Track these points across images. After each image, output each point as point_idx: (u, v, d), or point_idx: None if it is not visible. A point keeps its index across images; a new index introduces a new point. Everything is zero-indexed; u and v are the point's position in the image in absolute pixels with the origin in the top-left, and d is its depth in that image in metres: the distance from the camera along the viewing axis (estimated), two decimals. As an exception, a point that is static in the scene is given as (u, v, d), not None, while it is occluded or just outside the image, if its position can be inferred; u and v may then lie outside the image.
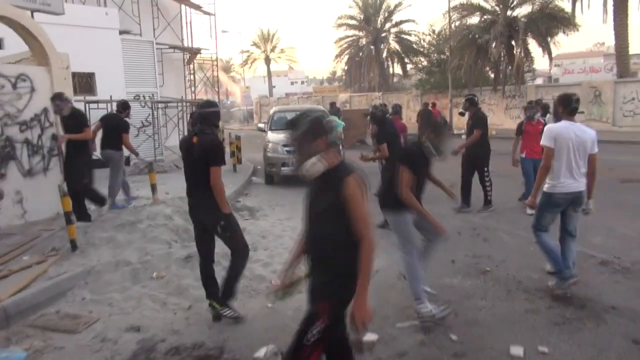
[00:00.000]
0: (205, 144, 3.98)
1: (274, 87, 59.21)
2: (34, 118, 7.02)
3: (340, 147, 5.16)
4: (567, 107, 4.50)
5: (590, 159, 4.48)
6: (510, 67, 24.05)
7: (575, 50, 56.28)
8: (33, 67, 7.19)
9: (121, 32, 14.07)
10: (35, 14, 7.82)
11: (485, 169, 7.87)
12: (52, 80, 7.21)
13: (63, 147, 6.93)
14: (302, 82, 77.22)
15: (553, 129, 4.51)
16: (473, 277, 5.11)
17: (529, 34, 23.25)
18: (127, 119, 8.06)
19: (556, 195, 4.52)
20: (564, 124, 4.49)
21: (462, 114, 8.35)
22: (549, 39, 23.43)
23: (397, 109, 9.36)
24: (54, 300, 4.56)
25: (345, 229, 2.50)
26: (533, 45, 23.93)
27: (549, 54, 23.67)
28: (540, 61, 26.31)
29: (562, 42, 23.27)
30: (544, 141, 4.53)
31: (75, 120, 6.71)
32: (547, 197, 4.58)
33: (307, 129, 2.56)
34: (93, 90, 12.82)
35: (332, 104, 14.46)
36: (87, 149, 6.89)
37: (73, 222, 5.56)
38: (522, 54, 23.14)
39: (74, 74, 8.69)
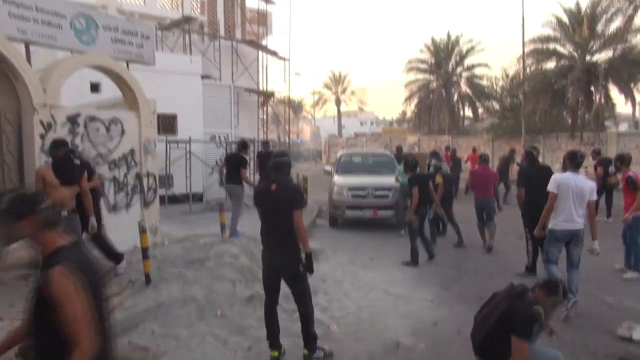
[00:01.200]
0: (287, 189, 4.38)
1: (344, 127, 60.24)
2: (122, 158, 7.71)
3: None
4: (573, 161, 5.59)
5: (588, 204, 5.48)
6: (588, 114, 23.07)
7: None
8: (124, 111, 7.94)
9: (203, 77, 15.16)
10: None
11: (526, 229, 7.11)
12: (140, 124, 7.93)
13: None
14: (372, 123, 77.94)
15: (557, 178, 5.59)
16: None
17: (610, 79, 22.30)
18: (245, 156, 9.23)
19: (557, 232, 5.57)
20: (567, 174, 5.59)
21: (518, 165, 8.19)
22: (632, 85, 22.34)
23: (485, 158, 9.42)
24: (127, 331, 4.89)
25: (58, 338, 1.96)
26: (614, 90, 22.93)
27: (632, 100, 22.54)
28: (624, 104, 24.92)
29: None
30: (549, 187, 5.54)
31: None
32: (551, 233, 5.64)
33: (5, 211, 2.05)
34: (174, 130, 13.79)
35: (399, 149, 14.52)
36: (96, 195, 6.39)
37: (149, 257, 5.99)
38: (602, 100, 22.19)
39: (158, 116, 9.46)
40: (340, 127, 58.17)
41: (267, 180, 4.58)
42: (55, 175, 5.34)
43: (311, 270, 4.35)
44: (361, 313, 5.56)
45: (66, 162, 5.51)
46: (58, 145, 5.42)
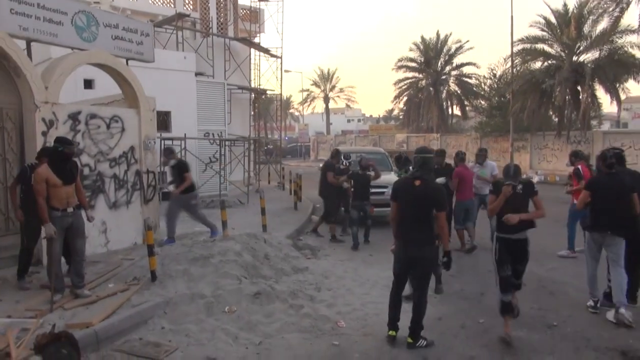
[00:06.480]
0: (431, 189, 4.59)
1: (331, 124, 60.26)
2: (122, 155, 7.70)
3: None
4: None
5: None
6: (575, 113, 23.44)
7: (646, 93, 53.81)
8: (124, 109, 7.93)
9: (196, 74, 15.09)
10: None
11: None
12: (140, 121, 7.92)
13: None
14: (359, 120, 78.16)
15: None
16: (539, 331, 5.07)
17: (596, 79, 22.65)
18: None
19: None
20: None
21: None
22: (617, 85, 22.73)
23: (462, 156, 8.96)
24: (136, 328, 4.93)
25: None
26: (600, 90, 23.30)
27: (618, 100, 22.92)
28: (608, 104, 25.16)
29: (633, 84, 22.36)
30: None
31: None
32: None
33: None
34: (168, 127, 13.74)
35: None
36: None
37: (154, 254, 6.00)
38: (589, 100, 22.54)
39: (153, 113, 9.41)
40: (328, 124, 58.20)
41: (410, 176, 4.78)
42: (58, 174, 5.26)
43: (449, 267, 4.76)
44: (366, 309, 5.64)
45: (69, 160, 5.47)
46: (69, 143, 5.41)
